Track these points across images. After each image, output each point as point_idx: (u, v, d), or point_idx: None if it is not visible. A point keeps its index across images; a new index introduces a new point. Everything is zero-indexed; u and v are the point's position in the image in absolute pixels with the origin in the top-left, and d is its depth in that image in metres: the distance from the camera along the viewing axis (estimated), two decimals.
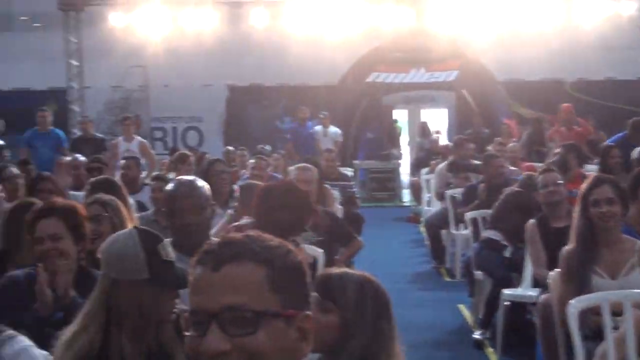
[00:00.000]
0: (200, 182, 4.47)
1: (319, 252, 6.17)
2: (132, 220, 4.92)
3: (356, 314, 2.99)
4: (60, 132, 13.95)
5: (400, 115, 21.68)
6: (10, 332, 3.08)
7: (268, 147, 15.48)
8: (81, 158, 9.48)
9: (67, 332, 3.01)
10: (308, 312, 1.80)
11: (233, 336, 1.71)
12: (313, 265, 5.78)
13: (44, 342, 3.21)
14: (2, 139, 13.87)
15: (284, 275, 1.77)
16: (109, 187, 5.80)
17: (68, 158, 9.77)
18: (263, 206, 5.02)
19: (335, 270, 3.19)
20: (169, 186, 4.51)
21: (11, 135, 14.74)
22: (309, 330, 1.80)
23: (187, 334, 1.75)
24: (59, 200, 4.46)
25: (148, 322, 3.00)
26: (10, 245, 4.76)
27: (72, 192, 7.78)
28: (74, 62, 20.54)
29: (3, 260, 4.72)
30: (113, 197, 4.98)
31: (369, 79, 20.94)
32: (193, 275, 1.78)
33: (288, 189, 5.08)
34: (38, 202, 4.95)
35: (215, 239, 1.84)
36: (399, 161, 19.50)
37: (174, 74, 20.28)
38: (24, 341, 3.06)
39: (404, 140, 21.27)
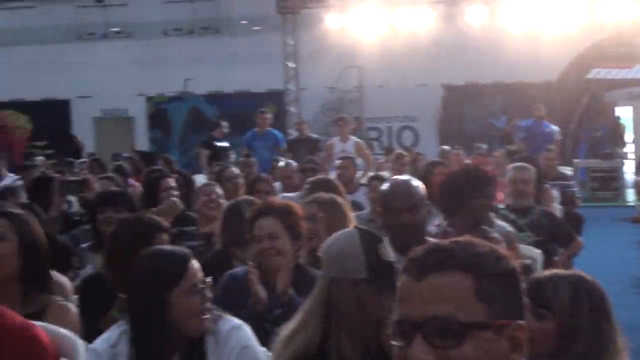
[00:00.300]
0: (416, 182, 4.40)
1: (536, 252, 5.97)
2: (350, 220, 4.90)
3: (572, 317, 2.85)
4: (278, 133, 14.26)
5: (624, 112, 20.82)
6: (219, 311, 3.18)
7: (484, 146, 15.24)
8: (294, 164, 9.59)
9: (287, 329, 3.05)
10: (520, 322, 1.70)
11: (438, 348, 1.64)
12: (530, 267, 5.59)
13: (262, 338, 3.27)
14: (226, 141, 14.33)
15: (493, 283, 1.68)
16: (327, 187, 5.86)
17: (282, 163, 9.96)
18: (443, 195, 4.91)
19: (546, 273, 3.04)
20: (384, 186, 4.48)
21: (233, 136, 15.21)
22: (522, 340, 1.69)
23: (393, 342, 1.70)
24: (276, 200, 4.52)
25: (366, 321, 2.98)
26: (231, 243, 4.88)
27: (284, 195, 7.90)
28: (291, 64, 21.04)
29: (227, 256, 4.84)
30: (331, 197, 5.00)
31: (590, 75, 20.27)
32: (400, 283, 1.73)
33: (458, 174, 4.89)
34: (256, 200, 5.04)
35: (430, 240, 1.76)
36: (623, 160, 18.76)
37: (388, 74, 20.34)
38: (235, 320, 3.16)
39: (629, 138, 20.42)
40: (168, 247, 3.35)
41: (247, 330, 3.17)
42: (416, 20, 19.54)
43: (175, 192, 6.81)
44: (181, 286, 3.02)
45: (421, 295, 1.67)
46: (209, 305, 3.08)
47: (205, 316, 3.06)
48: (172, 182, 6.87)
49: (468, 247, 1.72)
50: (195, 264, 3.10)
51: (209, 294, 3.09)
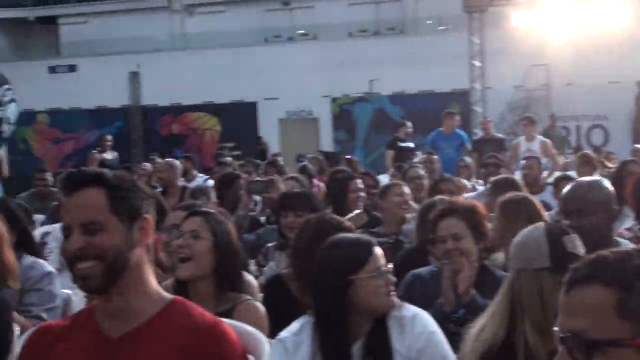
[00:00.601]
0: (600, 184, 4.26)
1: None
2: (543, 217, 4.79)
3: None
4: (463, 133, 14.12)
5: None
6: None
7: None
8: (463, 181, 9.39)
9: (476, 325, 3.05)
10: None
11: None
12: None
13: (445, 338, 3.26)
14: (410, 141, 14.32)
15: None
16: (510, 186, 5.77)
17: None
18: (635, 196, 4.70)
19: None
20: (566, 188, 4.37)
21: (417, 136, 15.18)
22: None
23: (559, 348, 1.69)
24: (460, 200, 4.49)
25: (549, 313, 2.91)
26: (427, 240, 4.87)
27: (465, 195, 7.82)
28: (477, 63, 20.81)
29: (423, 254, 4.84)
30: (519, 195, 4.90)
31: None
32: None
33: None
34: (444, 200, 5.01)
35: (620, 244, 1.71)
36: None
37: (577, 71, 19.79)
38: (416, 307, 3.21)
39: None
40: (352, 234, 3.44)
41: (429, 317, 3.21)
42: (608, 16, 18.92)
43: (363, 194, 6.83)
44: (366, 269, 3.09)
45: (566, 307, 1.67)
46: (392, 287, 3.15)
47: (391, 294, 3.12)
48: (360, 183, 6.89)
49: (625, 258, 1.66)
50: (379, 250, 3.16)
51: (392, 278, 3.15)
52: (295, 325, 3.18)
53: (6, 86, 20.78)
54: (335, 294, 3.08)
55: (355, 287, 3.07)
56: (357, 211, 6.32)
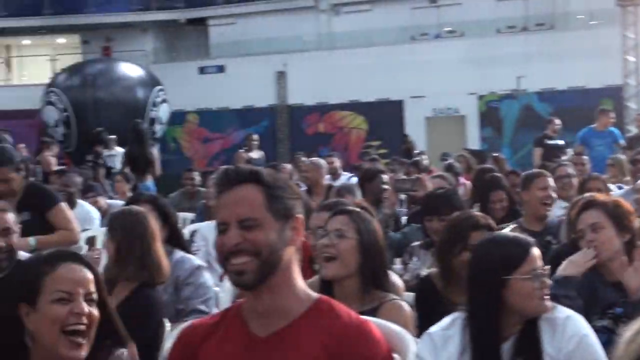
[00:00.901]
0: None
1: None
2: None
3: None
4: (616, 130, 13.74)
5: None
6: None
7: None
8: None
9: (633, 327, 2.96)
10: None
11: None
12: None
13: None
14: (560, 138, 14.03)
15: None
16: None
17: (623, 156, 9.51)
18: None
19: None
20: None
21: (566, 134, 14.84)
22: None
23: None
24: (601, 196, 4.39)
25: None
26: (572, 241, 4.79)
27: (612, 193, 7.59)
28: (631, 58, 20.20)
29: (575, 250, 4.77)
30: None
31: None
32: None
33: None
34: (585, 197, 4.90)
35: None
36: None
37: None
38: (570, 310, 3.14)
39: None
40: (511, 233, 3.44)
41: (583, 319, 3.13)
42: None
43: (504, 204, 6.69)
44: (522, 269, 3.03)
45: None
46: (547, 291, 3.08)
47: (545, 297, 3.06)
48: (502, 194, 6.77)
49: None
50: (536, 251, 3.09)
51: (548, 281, 3.10)
52: (446, 321, 3.15)
53: (159, 87, 21.56)
54: (488, 292, 3.04)
55: (509, 288, 3.03)
56: (512, 225, 6.21)
